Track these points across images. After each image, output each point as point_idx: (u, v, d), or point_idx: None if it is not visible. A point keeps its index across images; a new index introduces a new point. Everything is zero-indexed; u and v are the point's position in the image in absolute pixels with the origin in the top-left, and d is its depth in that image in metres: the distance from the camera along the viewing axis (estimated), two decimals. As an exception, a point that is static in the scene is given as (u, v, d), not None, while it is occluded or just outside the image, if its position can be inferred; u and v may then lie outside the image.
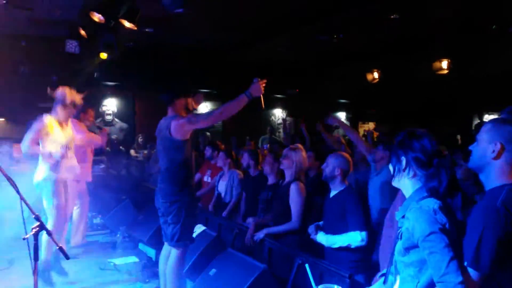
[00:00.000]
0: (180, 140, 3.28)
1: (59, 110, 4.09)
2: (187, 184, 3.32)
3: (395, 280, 1.80)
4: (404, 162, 1.78)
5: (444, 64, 9.06)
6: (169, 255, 3.41)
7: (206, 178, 5.63)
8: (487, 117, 13.84)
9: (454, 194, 1.73)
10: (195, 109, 3.80)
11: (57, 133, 4.06)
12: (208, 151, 5.73)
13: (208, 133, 9.89)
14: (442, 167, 1.72)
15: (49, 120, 4.02)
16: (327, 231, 3.25)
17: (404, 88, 12.19)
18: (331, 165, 3.29)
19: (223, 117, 3.49)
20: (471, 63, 9.78)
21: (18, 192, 2.22)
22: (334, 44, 7.39)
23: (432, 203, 1.64)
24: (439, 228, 1.58)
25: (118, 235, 5.15)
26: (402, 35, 8.16)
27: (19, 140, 5.09)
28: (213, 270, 3.44)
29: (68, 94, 4.08)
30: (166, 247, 3.46)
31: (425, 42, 8.52)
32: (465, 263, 1.62)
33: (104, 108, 10.20)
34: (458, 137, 10.60)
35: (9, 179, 2.22)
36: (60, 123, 4.13)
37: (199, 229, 4.03)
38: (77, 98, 4.17)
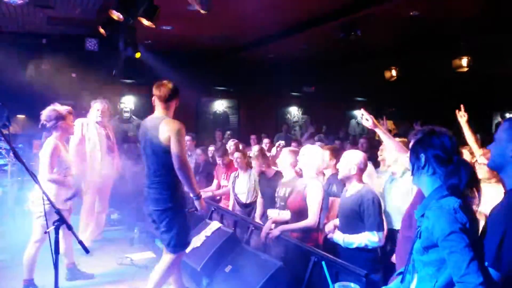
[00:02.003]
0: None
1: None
2: (178, 188, 3.23)
3: (412, 278, 1.79)
4: (423, 159, 1.76)
5: (464, 61, 8.88)
6: (166, 262, 3.31)
7: (223, 182, 5.62)
8: (508, 116, 13.56)
9: (474, 192, 1.69)
10: None
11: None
12: (216, 156, 5.70)
13: (229, 132, 9.90)
14: (462, 164, 1.70)
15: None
16: (343, 231, 3.23)
17: (423, 86, 12.03)
18: (347, 164, 3.26)
19: (181, 172, 3.12)
20: (492, 61, 9.59)
21: (40, 187, 2.27)
22: (351, 41, 7.31)
23: (453, 202, 1.62)
24: (460, 227, 1.56)
25: (135, 230, 5.23)
26: (421, 32, 8.03)
27: (38, 137, 5.21)
28: (229, 267, 3.46)
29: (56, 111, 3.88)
30: (164, 256, 3.37)
31: (444, 40, 8.37)
32: (486, 264, 1.59)
33: (122, 105, 10.33)
34: (478, 136, 10.39)
35: (31, 174, 2.27)
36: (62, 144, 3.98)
37: (214, 226, 4.05)
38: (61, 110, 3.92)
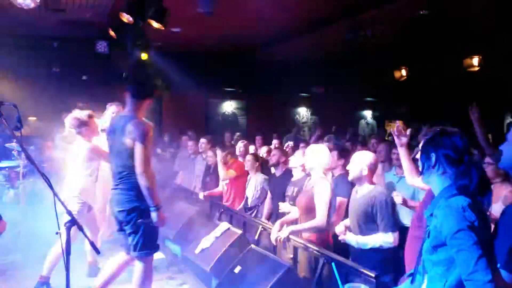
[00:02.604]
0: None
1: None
2: (139, 192, 3.06)
3: (423, 279, 1.78)
4: (433, 159, 1.75)
5: (475, 61, 8.79)
6: (122, 262, 3.28)
7: (226, 181, 5.62)
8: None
9: (485, 193, 1.68)
10: None
11: None
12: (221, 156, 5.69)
13: (238, 133, 9.88)
14: (473, 165, 1.69)
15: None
16: (355, 232, 3.21)
17: (433, 86, 11.91)
18: (358, 165, 3.24)
19: (144, 180, 3.00)
20: (503, 60, 9.46)
21: (51, 188, 2.29)
22: (361, 41, 7.28)
23: (461, 201, 1.61)
24: (467, 225, 1.55)
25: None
26: (431, 31, 7.96)
27: (50, 138, 5.28)
28: (238, 268, 3.46)
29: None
30: (120, 255, 3.33)
31: (455, 39, 8.29)
32: (498, 265, 1.57)
33: (132, 108, 10.41)
34: (489, 136, 10.27)
35: (43, 176, 2.29)
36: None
37: (223, 226, 4.06)
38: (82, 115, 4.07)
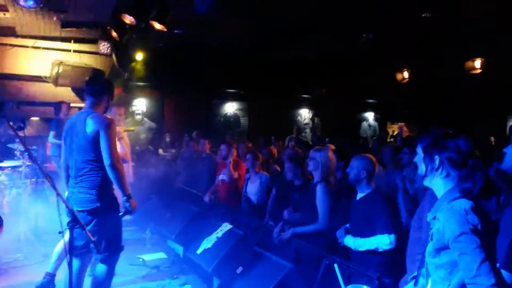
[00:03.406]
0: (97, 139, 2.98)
1: None
2: (105, 187, 3.03)
3: (427, 282, 1.77)
4: (437, 162, 1.74)
5: (477, 63, 8.79)
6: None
7: (221, 177, 5.60)
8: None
9: (489, 196, 1.68)
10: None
11: None
12: (223, 151, 5.70)
13: (229, 136, 9.88)
14: (477, 168, 1.68)
15: None
16: (354, 234, 3.21)
17: (435, 88, 11.90)
18: (356, 168, 3.23)
19: (111, 169, 2.96)
20: (506, 62, 9.46)
21: (54, 188, 2.30)
22: (363, 43, 7.29)
23: (464, 204, 1.60)
24: (470, 228, 1.54)
25: (147, 232, 5.27)
26: (433, 34, 7.97)
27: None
28: (240, 268, 3.47)
29: None
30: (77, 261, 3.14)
31: (457, 41, 8.29)
32: (498, 265, 1.57)
33: (134, 108, 10.43)
34: (492, 138, 10.27)
35: (46, 175, 2.31)
36: None
37: (225, 227, 4.07)
38: None
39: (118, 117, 5.12)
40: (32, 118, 8.48)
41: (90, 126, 2.98)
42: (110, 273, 3.14)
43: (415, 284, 1.86)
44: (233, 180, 5.42)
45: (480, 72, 9.00)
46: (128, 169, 5.28)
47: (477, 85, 10.70)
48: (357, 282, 2.36)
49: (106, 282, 3.13)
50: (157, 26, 5.76)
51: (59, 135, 6.55)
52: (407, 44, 8.85)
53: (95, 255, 3.08)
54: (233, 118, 12.14)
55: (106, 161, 2.94)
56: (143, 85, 10.39)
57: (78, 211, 2.93)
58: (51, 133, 6.52)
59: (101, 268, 3.10)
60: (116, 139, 4.35)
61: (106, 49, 7.71)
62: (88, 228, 2.90)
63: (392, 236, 3.02)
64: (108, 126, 2.99)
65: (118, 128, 4.35)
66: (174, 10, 5.68)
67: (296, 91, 12.31)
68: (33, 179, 5.65)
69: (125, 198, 3.04)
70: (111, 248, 3.06)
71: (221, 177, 5.57)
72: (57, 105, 6.89)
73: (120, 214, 3.07)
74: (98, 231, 2.97)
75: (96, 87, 3.20)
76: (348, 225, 3.36)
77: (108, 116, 3.12)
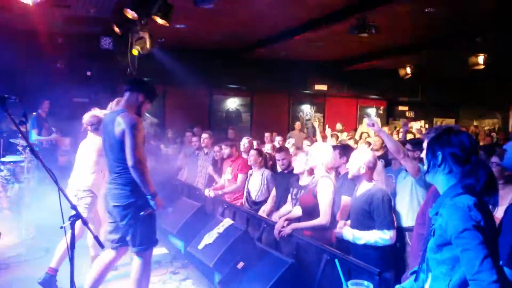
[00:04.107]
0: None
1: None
2: (134, 186, 3.06)
3: (427, 277, 1.77)
4: (440, 157, 1.73)
5: (481, 59, 8.75)
6: (106, 261, 3.25)
7: (227, 176, 5.63)
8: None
9: (492, 193, 1.67)
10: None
11: None
12: (226, 150, 5.72)
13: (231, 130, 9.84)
14: (480, 164, 1.67)
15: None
16: (353, 228, 3.22)
17: (438, 84, 11.88)
18: (356, 163, 3.24)
19: (134, 169, 3.00)
20: (509, 58, 9.42)
21: (56, 183, 2.30)
22: (365, 38, 7.25)
23: (467, 200, 1.60)
24: (473, 225, 1.54)
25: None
26: (437, 29, 7.93)
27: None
28: (241, 264, 3.48)
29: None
30: (106, 253, 3.27)
31: (461, 37, 8.25)
32: (501, 262, 1.57)
33: (136, 104, 10.42)
34: (494, 135, 10.24)
35: (48, 170, 2.31)
36: None
37: (227, 223, 4.07)
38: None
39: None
40: (34, 113, 8.50)
41: (118, 126, 3.02)
42: (147, 266, 3.20)
43: (416, 279, 1.86)
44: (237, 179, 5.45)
45: (484, 68, 8.96)
46: None
47: (481, 81, 10.68)
48: (357, 277, 2.36)
49: (144, 275, 3.19)
50: (159, 21, 5.74)
51: (41, 131, 6.57)
52: (410, 40, 8.82)
53: (130, 248, 3.17)
54: (235, 113, 12.13)
55: (128, 162, 2.98)
56: (145, 80, 10.38)
57: (114, 206, 3.10)
58: (34, 131, 6.40)
59: (137, 262, 3.17)
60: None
61: (107, 44, 7.70)
62: (123, 222, 3.09)
63: (392, 232, 3.03)
64: (133, 126, 3.01)
65: None
66: (176, 4, 5.66)
67: (299, 86, 12.29)
68: (35, 174, 5.67)
69: (149, 196, 3.08)
70: (145, 242, 3.13)
71: (226, 176, 5.58)
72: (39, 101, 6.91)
73: (141, 213, 3.09)
74: (132, 225, 3.07)
75: (129, 86, 3.23)
76: (348, 221, 3.36)
77: (136, 116, 3.12)
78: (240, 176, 5.38)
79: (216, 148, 6.08)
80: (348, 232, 3.17)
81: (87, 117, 4.14)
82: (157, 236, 3.29)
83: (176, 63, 9.46)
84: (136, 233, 3.10)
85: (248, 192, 5.15)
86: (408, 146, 4.12)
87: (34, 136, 6.39)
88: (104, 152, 3.26)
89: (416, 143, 4.03)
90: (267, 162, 5.76)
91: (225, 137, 9.35)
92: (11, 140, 5.92)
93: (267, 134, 9.09)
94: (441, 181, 1.76)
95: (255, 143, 6.39)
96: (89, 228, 2.28)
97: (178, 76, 9.88)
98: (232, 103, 12.13)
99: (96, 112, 4.16)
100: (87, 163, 4.05)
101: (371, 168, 3.23)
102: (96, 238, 2.30)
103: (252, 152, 5.15)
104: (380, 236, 3.03)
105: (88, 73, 9.13)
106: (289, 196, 4.14)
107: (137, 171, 2.99)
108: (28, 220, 5.18)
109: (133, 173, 3.00)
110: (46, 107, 6.80)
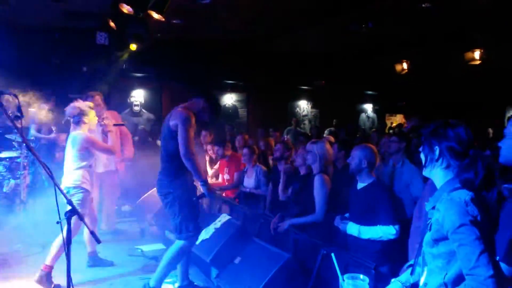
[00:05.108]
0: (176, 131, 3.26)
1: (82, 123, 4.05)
2: (179, 176, 3.31)
3: (423, 271, 1.78)
4: (437, 152, 1.72)
5: (477, 54, 8.76)
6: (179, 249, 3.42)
7: (226, 176, 5.66)
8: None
9: (490, 188, 1.66)
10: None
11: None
12: (219, 151, 5.74)
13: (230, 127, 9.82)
14: (479, 158, 1.65)
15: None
16: (355, 223, 3.22)
17: (434, 79, 11.89)
18: (357, 158, 3.24)
19: (185, 159, 3.22)
20: (505, 54, 9.44)
21: (52, 178, 2.30)
22: (362, 34, 7.25)
23: (464, 195, 1.59)
24: (470, 220, 1.53)
25: (146, 222, 5.28)
26: (433, 25, 7.92)
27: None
28: (238, 259, 3.49)
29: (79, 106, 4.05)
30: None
31: (457, 32, 8.25)
32: (497, 258, 1.57)
33: (132, 99, 10.39)
34: (490, 130, 10.28)
35: (44, 166, 2.30)
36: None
37: (224, 218, 4.08)
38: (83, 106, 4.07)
39: (96, 107, 5.09)
40: (30, 109, 8.45)
41: (172, 120, 3.28)
42: (183, 251, 3.38)
43: (412, 272, 1.86)
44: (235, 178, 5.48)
45: (480, 63, 8.98)
46: (112, 161, 5.25)
47: (477, 77, 10.69)
48: (354, 271, 2.37)
49: (177, 257, 3.39)
50: (155, 16, 5.71)
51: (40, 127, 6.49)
52: (406, 35, 8.81)
53: (174, 234, 3.42)
54: (231, 109, 12.10)
55: (181, 152, 3.20)
56: (141, 76, 10.34)
57: (159, 194, 3.43)
58: (33, 127, 6.27)
59: (174, 246, 3.37)
60: (99, 131, 4.33)
61: (103, 39, 7.65)
62: (167, 210, 3.41)
63: (397, 226, 3.04)
64: (185, 120, 3.24)
65: (107, 122, 4.36)
66: (172, 0, 5.63)
67: (295, 82, 12.27)
68: (31, 170, 5.65)
69: (201, 183, 3.29)
70: (185, 230, 3.33)
71: (225, 176, 5.61)
72: None
73: (194, 198, 3.35)
74: (172, 213, 3.34)
75: (197, 91, 3.54)
76: (346, 214, 3.37)
77: (187, 111, 3.32)
78: (236, 174, 5.43)
79: (209, 147, 6.13)
80: (353, 228, 3.17)
81: (68, 109, 4.05)
82: (199, 225, 3.45)
83: (172, 59, 9.43)
84: (178, 222, 3.32)
85: (244, 188, 5.17)
86: (394, 138, 4.18)
87: (32, 132, 6.27)
88: (161, 143, 3.49)
89: (402, 135, 4.09)
90: (266, 157, 5.78)
91: (223, 133, 9.36)
92: (6, 135, 5.89)
93: (260, 130, 9.10)
94: (438, 175, 1.74)
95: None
96: (85, 223, 2.27)
97: (174, 71, 9.85)
98: (229, 99, 12.11)
99: (79, 104, 4.05)
100: (70, 159, 3.98)
101: (372, 163, 3.23)
102: (93, 233, 2.30)
103: (245, 150, 5.18)
104: (387, 231, 3.03)
105: (84, 69, 9.09)
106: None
107: (187, 161, 3.20)
108: (25, 216, 5.16)
109: (185, 162, 3.22)
110: (52, 104, 6.64)
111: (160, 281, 3.38)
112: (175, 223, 3.35)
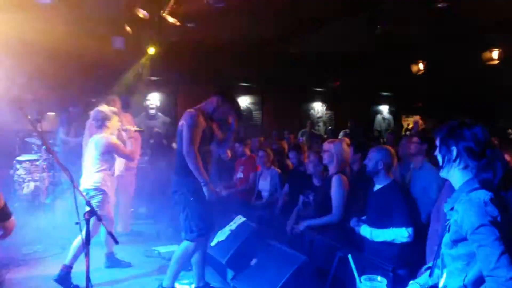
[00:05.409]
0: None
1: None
2: (186, 174, 3.29)
3: (442, 273, 1.76)
4: (454, 152, 1.70)
5: (495, 54, 8.59)
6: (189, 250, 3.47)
7: (239, 175, 5.66)
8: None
9: (509, 188, 1.63)
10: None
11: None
12: (239, 149, 5.75)
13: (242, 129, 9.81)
14: (497, 158, 1.63)
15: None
16: (370, 225, 3.20)
17: (452, 80, 11.70)
18: (373, 159, 3.22)
19: (186, 157, 3.27)
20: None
21: (72, 180, 2.34)
22: (377, 34, 7.18)
23: (483, 195, 1.57)
24: (490, 220, 1.51)
25: (162, 224, 5.33)
26: (450, 24, 7.81)
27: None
28: (254, 260, 3.49)
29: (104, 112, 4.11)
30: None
31: (474, 31, 8.12)
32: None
33: (147, 102, 10.50)
34: (510, 131, 10.07)
35: (64, 169, 2.34)
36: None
37: (239, 220, 4.08)
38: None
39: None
40: (48, 113, 8.61)
41: (181, 120, 3.39)
42: (188, 251, 3.40)
43: (430, 275, 1.84)
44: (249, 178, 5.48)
45: (499, 63, 8.81)
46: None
47: (494, 76, 10.49)
48: (371, 274, 2.35)
49: (183, 257, 3.42)
50: (170, 19, 5.78)
51: (69, 131, 6.56)
52: (423, 35, 8.71)
53: (183, 234, 3.43)
54: (246, 112, 12.13)
55: (184, 149, 3.26)
56: (157, 79, 10.44)
57: (171, 193, 3.46)
58: (61, 130, 6.33)
59: (183, 244, 3.41)
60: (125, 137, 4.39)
61: (119, 44, 7.76)
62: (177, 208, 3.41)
63: (410, 229, 3.00)
64: (190, 119, 3.30)
65: (128, 128, 4.41)
66: (186, 3, 5.68)
67: (310, 84, 12.23)
68: (50, 173, 5.75)
69: (202, 183, 3.29)
70: (189, 230, 3.34)
71: (238, 175, 5.62)
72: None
73: (192, 198, 3.33)
74: (182, 213, 3.36)
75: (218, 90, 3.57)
76: (364, 217, 3.34)
77: (195, 111, 3.38)
78: (252, 175, 5.43)
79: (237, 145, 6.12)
80: (366, 230, 3.15)
81: (93, 113, 4.16)
82: (211, 225, 3.50)
83: (187, 62, 9.49)
84: (184, 221, 3.35)
85: (259, 191, 5.18)
86: (415, 138, 4.10)
87: (61, 136, 6.30)
88: None
89: (424, 136, 4.01)
90: (283, 159, 5.78)
91: (237, 136, 9.38)
92: (26, 139, 6.01)
93: (274, 133, 9.09)
94: (456, 176, 1.72)
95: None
96: (104, 224, 2.31)
97: (189, 75, 9.92)
98: (243, 101, 12.13)
99: (103, 108, 4.14)
100: (91, 161, 4.04)
101: (389, 164, 3.21)
102: (111, 234, 2.33)
103: (261, 153, 5.19)
104: (399, 234, 3.00)
105: (100, 73, 9.22)
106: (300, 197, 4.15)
107: (190, 159, 3.23)
108: (44, 217, 5.26)
109: (187, 161, 3.24)
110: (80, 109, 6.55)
111: (171, 281, 3.42)
112: (183, 222, 3.38)
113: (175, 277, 3.47)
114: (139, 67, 9.00)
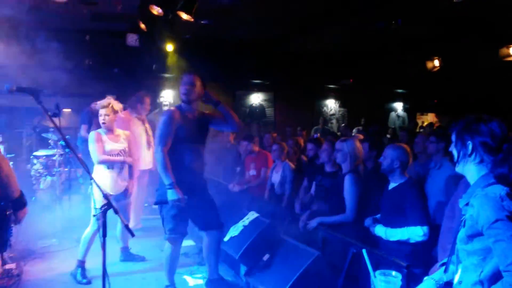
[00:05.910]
0: None
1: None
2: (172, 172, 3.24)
3: (457, 269, 1.74)
4: (470, 147, 1.69)
5: (512, 50, 8.44)
6: (206, 242, 3.60)
7: (252, 172, 5.67)
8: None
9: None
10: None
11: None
12: (248, 146, 5.74)
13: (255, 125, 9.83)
14: None
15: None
16: (385, 224, 3.17)
17: (467, 77, 11.52)
18: (389, 157, 3.19)
19: (156, 159, 3.27)
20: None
21: (89, 173, 2.38)
22: (391, 30, 7.11)
23: (499, 190, 1.56)
24: (506, 215, 1.50)
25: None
26: (465, 20, 7.69)
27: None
28: (267, 256, 3.50)
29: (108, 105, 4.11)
30: (204, 236, 3.65)
31: (490, 27, 7.98)
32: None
33: (161, 99, 10.58)
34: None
35: (81, 162, 2.38)
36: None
37: (252, 215, 4.10)
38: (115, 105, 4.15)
39: (145, 109, 5.52)
40: (64, 110, 8.73)
41: None
42: (174, 253, 3.44)
43: (445, 271, 1.83)
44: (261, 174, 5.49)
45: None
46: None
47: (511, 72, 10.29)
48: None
49: (168, 259, 3.45)
50: (184, 16, 5.79)
51: (90, 127, 6.59)
52: (438, 31, 8.59)
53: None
54: (258, 109, 12.13)
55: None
56: (170, 76, 10.51)
57: None
58: (83, 127, 6.26)
59: (167, 247, 3.46)
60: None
61: (134, 41, 7.82)
62: None
63: (425, 228, 2.97)
64: (162, 116, 3.33)
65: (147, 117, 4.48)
66: (201, 1, 5.70)
67: (323, 81, 12.17)
68: (66, 168, 5.85)
69: (167, 186, 3.21)
70: (168, 231, 3.38)
71: (251, 172, 5.63)
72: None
73: (155, 202, 3.40)
74: (161, 215, 3.39)
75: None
76: (378, 215, 3.32)
77: (170, 110, 3.38)
78: (263, 170, 5.44)
79: (244, 143, 6.14)
80: (381, 230, 3.13)
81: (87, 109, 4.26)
82: (183, 228, 3.45)
83: (199, 59, 9.53)
84: (163, 222, 3.40)
85: (272, 185, 5.19)
86: (433, 138, 4.05)
87: (82, 132, 6.21)
88: None
89: (441, 134, 3.96)
90: (299, 155, 5.77)
91: (249, 133, 9.39)
92: (43, 134, 6.12)
93: (289, 129, 9.08)
94: (471, 171, 1.71)
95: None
96: (120, 217, 2.34)
97: (201, 72, 9.94)
98: (256, 99, 12.14)
99: (97, 105, 4.16)
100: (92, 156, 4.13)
101: (404, 163, 3.18)
102: (127, 227, 2.36)
103: (275, 146, 5.19)
104: (414, 233, 2.97)
105: (115, 70, 9.32)
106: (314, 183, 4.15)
107: (156, 159, 3.23)
108: (60, 211, 5.35)
109: (156, 161, 3.27)
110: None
111: (168, 278, 3.52)
112: (163, 224, 3.44)
113: (170, 276, 3.54)
114: (153, 64, 9.07)
